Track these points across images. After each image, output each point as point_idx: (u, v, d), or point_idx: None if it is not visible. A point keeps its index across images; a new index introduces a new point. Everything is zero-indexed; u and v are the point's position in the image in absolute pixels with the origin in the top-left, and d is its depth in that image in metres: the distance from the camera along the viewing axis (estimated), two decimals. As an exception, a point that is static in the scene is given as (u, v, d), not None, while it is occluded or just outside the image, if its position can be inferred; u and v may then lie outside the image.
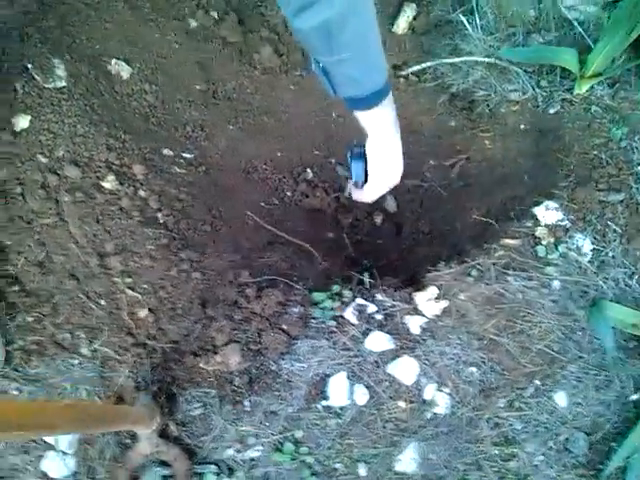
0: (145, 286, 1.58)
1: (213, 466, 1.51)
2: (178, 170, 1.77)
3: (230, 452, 1.51)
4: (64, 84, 1.67)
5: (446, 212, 2.04)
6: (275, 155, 2.03)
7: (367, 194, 1.34)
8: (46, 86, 1.65)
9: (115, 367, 1.56)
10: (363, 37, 0.95)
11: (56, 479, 1.52)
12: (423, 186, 2.10)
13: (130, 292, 1.58)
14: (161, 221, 1.65)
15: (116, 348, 1.56)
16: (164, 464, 1.52)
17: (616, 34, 1.70)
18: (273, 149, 2.03)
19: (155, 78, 1.85)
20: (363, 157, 1.25)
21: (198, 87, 1.95)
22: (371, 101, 1.07)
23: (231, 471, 1.51)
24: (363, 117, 1.12)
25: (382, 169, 1.25)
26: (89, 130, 1.64)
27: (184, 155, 1.83)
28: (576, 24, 1.89)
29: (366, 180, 1.30)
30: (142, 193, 1.66)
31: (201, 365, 1.56)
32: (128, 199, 1.63)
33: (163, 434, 1.51)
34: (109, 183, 1.63)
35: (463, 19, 1.95)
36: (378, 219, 2.13)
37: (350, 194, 1.43)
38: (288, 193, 2.03)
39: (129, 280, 1.59)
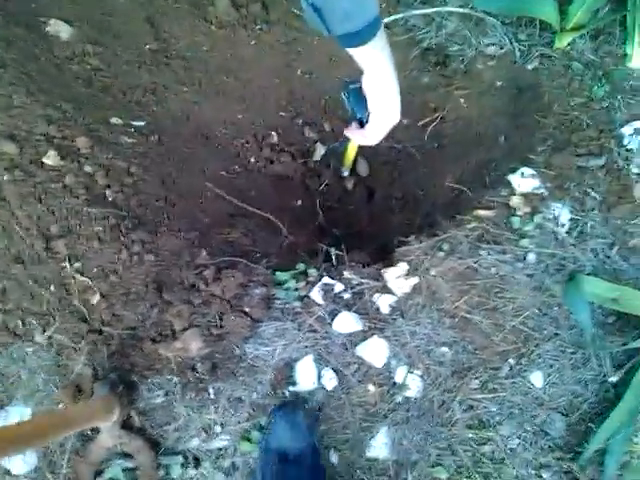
0: (95, 270, 1.49)
1: (179, 457, 1.46)
2: (127, 140, 1.65)
3: (195, 442, 1.46)
4: (-5, 49, 1.52)
5: (419, 176, 1.95)
6: (236, 118, 1.90)
7: (371, 135, 1.29)
8: (-26, 52, 1.50)
9: (71, 355, 1.49)
10: None
11: (19, 475, 1.46)
12: (396, 147, 2.00)
13: (79, 277, 1.49)
14: (110, 198, 1.54)
15: (70, 335, 1.49)
16: (128, 456, 1.47)
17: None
18: (233, 112, 1.90)
19: (99, 38, 1.70)
20: (362, 93, 1.19)
21: (148, 46, 1.80)
22: (365, 35, 1.01)
23: (197, 462, 1.46)
24: (358, 54, 1.07)
25: (383, 107, 1.20)
26: (26, 101, 1.51)
27: (134, 123, 1.70)
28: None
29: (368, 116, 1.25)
30: (88, 168, 1.54)
31: (160, 351, 1.49)
32: (72, 176, 1.52)
33: (125, 425, 1.46)
34: (50, 159, 1.51)
35: (435, -36, 1.80)
36: (349, 184, 2.03)
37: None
38: (251, 159, 1.91)
39: (78, 264, 1.49)
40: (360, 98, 1.20)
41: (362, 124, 1.30)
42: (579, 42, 1.70)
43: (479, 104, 1.83)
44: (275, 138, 1.97)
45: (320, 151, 2.00)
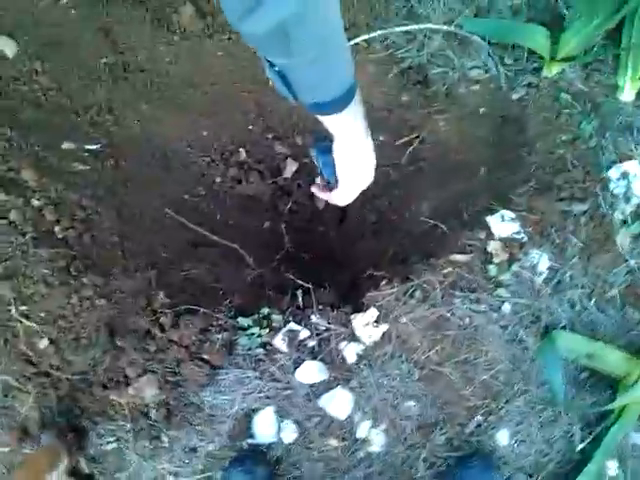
0: (42, 315, 1.42)
1: (129, 507, 1.42)
2: (80, 167, 1.55)
3: (146, 491, 1.42)
4: None
5: (394, 199, 1.88)
6: (200, 135, 1.80)
7: (338, 199, 1.21)
8: None
9: (18, 397, 1.43)
10: (326, 36, 0.79)
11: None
12: (372, 165, 1.90)
13: (26, 322, 1.41)
14: (59, 236, 1.46)
15: (17, 377, 1.43)
16: (75, 504, 1.43)
17: (595, 15, 1.48)
18: (198, 128, 1.79)
19: (48, 54, 1.58)
20: (331, 153, 1.08)
21: (103, 60, 1.68)
22: (335, 106, 0.92)
23: (148, 513, 1.42)
24: (327, 121, 0.97)
25: (353, 172, 1.11)
26: (-36, 129, 1.38)
27: (88, 147, 1.60)
28: (551, -13, 1.63)
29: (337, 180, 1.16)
30: (35, 202, 1.45)
31: (112, 397, 1.44)
32: (18, 211, 1.42)
33: (74, 471, 1.42)
34: None
35: (420, -26, 1.67)
36: (320, 204, 1.94)
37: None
38: (217, 179, 1.82)
39: (23, 308, 1.42)
40: (329, 160, 1.11)
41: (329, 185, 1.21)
42: (569, 71, 1.61)
43: (460, 130, 1.74)
44: (243, 155, 1.86)
45: (291, 167, 1.91)
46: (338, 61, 0.86)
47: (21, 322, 1.41)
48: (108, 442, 1.43)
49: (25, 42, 1.57)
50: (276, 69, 0.84)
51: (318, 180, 1.24)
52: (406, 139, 1.87)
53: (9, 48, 1.54)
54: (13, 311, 1.41)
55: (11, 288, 1.40)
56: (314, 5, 0.72)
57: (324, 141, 1.09)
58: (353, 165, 1.10)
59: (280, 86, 0.89)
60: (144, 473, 1.42)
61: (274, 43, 0.77)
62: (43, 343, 1.43)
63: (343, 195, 1.20)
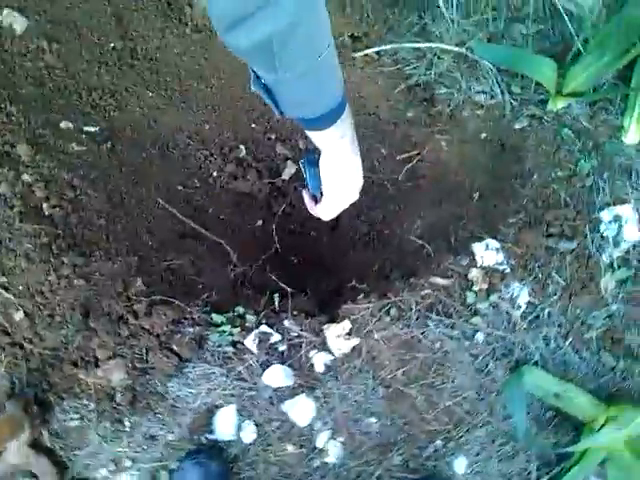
0: (20, 288, 1.44)
1: (84, 485, 1.45)
2: (76, 148, 1.57)
3: (103, 472, 1.45)
4: (-64, 39, 1.42)
5: (388, 213, 1.88)
6: (202, 128, 1.81)
7: (324, 212, 1.21)
8: None
9: (-11, 363, 1.45)
10: (313, 54, 0.80)
11: None
12: (370, 177, 1.91)
13: (4, 293, 1.43)
14: (46, 213, 1.48)
15: (-9, 345, 1.45)
16: (33, 476, 1.45)
17: (606, 53, 1.46)
18: (201, 121, 1.81)
19: (57, 34, 1.60)
20: (318, 166, 1.09)
21: (112, 45, 1.70)
22: (324, 122, 0.93)
23: (101, 493, 1.44)
24: (315, 136, 0.98)
25: (337, 188, 1.11)
26: (-35, 99, 1.41)
27: (86, 129, 1.62)
28: (567, 20, 1.61)
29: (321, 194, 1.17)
30: (26, 178, 1.47)
31: (81, 376, 1.46)
32: (8, 185, 1.45)
33: (35, 444, 1.44)
34: None
35: (438, -7, 1.67)
36: (315, 209, 1.94)
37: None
38: (214, 173, 1.83)
39: (3, 279, 1.44)
40: (316, 172, 1.11)
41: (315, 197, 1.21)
42: (575, 106, 1.59)
43: (460, 152, 1.74)
44: (243, 152, 1.88)
45: (290, 170, 1.92)
46: (326, 79, 0.87)
47: (-1, 293, 1.45)
48: (71, 419, 1.45)
49: (36, 20, 1.60)
50: (262, 82, 0.85)
51: (305, 194, 1.24)
52: (407, 155, 1.87)
53: (19, 24, 1.56)
54: (-7, 282, 1.44)
55: (-7, 259, 1.43)
56: (300, 23, 0.72)
57: (313, 153, 1.09)
58: (338, 181, 1.10)
59: (267, 100, 0.89)
60: (103, 454, 1.44)
61: (259, 57, 0.78)
62: (19, 315, 1.45)
63: (326, 209, 1.20)
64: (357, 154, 1.06)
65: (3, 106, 1.48)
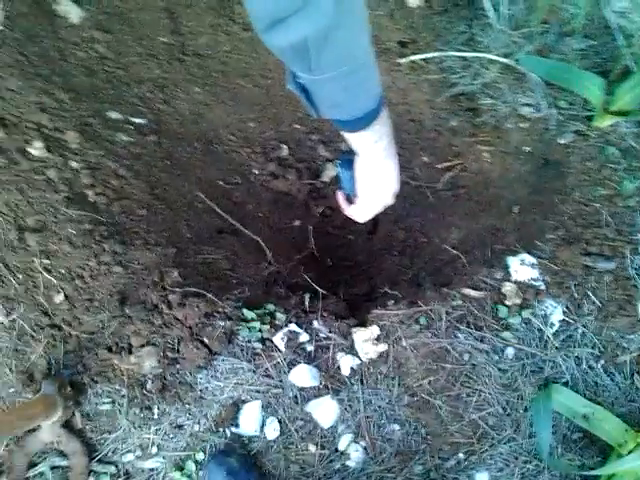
0: (62, 271, 1.49)
1: (111, 467, 1.48)
2: (123, 138, 1.61)
3: (130, 457, 1.49)
4: (-2, 26, 1.47)
5: (426, 221, 1.88)
6: (247, 126, 1.83)
7: (357, 213, 1.23)
8: (-25, 26, 1.45)
9: (29, 343, 1.52)
10: (349, 56, 0.80)
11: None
12: (410, 184, 1.91)
13: (46, 275, 1.49)
14: (91, 200, 1.53)
15: (32, 325, 1.52)
16: (63, 455, 1.51)
17: (656, 71, 1.42)
18: (245, 119, 1.83)
19: (111, 25, 1.64)
20: (353, 167, 1.10)
21: (163, 39, 1.74)
22: (359, 124, 0.93)
23: (128, 476, 1.49)
24: (350, 138, 0.98)
25: (371, 191, 1.12)
26: (20, 85, 1.47)
27: (134, 120, 1.66)
28: (619, 36, 1.58)
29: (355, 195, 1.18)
30: (74, 164, 1.53)
31: (114, 362, 1.51)
32: (56, 170, 1.51)
33: (67, 424, 1.50)
34: (36, 150, 1.49)
35: (487, 3, 1.66)
36: (353, 212, 1.94)
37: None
38: (255, 171, 1.85)
39: (47, 261, 1.50)
40: (351, 174, 1.11)
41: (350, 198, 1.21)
42: (622, 124, 1.56)
43: (503, 164, 1.73)
44: (285, 152, 1.89)
45: (330, 172, 1.93)
46: (363, 81, 0.87)
47: (42, 274, 1.49)
48: (103, 403, 1.49)
49: (91, 10, 1.65)
50: (300, 82, 0.86)
51: (340, 195, 1.25)
52: (448, 164, 1.87)
53: (75, 14, 1.61)
54: (37, 262, 1.49)
55: (38, 241, 1.48)
56: (338, 26, 0.73)
57: (350, 154, 1.10)
58: (372, 184, 1.11)
59: (303, 100, 0.90)
60: (131, 439, 1.48)
61: (296, 57, 0.78)
62: (59, 298, 1.50)
63: (360, 212, 1.21)
64: (394, 158, 1.06)
65: (55, 93, 1.53)
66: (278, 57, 0.80)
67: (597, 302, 1.47)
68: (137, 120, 1.69)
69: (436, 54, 1.70)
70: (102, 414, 1.50)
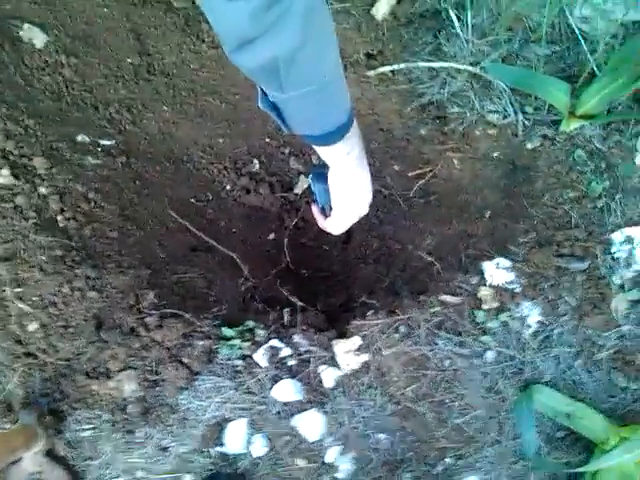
0: (35, 299, 1.46)
1: (97, 495, 1.45)
2: (92, 161, 1.59)
3: (117, 482, 1.45)
4: (-42, 51, 1.44)
5: (399, 228, 1.89)
6: (216, 142, 1.83)
7: (333, 226, 1.24)
8: (-64, 52, 1.43)
9: (4, 372, 1.48)
10: (319, 73, 0.81)
11: None
12: (382, 192, 1.92)
13: (18, 303, 1.45)
14: (61, 225, 1.50)
15: (6, 354, 1.47)
16: (48, 485, 1.47)
17: (619, 76, 1.47)
18: (215, 135, 1.83)
19: (76, 49, 1.63)
20: (326, 180, 1.10)
21: (130, 60, 1.73)
22: (331, 138, 0.94)
23: (115, 503, 1.45)
24: (322, 151, 0.99)
25: (346, 203, 1.13)
26: (-15, 112, 1.43)
27: (102, 142, 1.64)
28: (583, 42, 1.62)
29: (330, 208, 1.19)
30: (42, 190, 1.50)
31: (93, 387, 1.48)
32: (24, 197, 1.48)
33: (49, 453, 1.46)
34: (3, 177, 1.47)
35: (452, 13, 1.69)
36: (327, 223, 1.94)
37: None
38: (227, 187, 1.84)
39: (18, 290, 1.46)
40: (324, 187, 1.12)
41: (325, 212, 1.21)
42: (588, 128, 1.60)
43: (472, 170, 1.75)
44: (257, 166, 1.89)
45: (303, 184, 1.93)
46: (333, 97, 0.88)
47: (14, 303, 1.46)
48: (84, 429, 1.46)
49: (55, 35, 1.63)
50: (271, 100, 0.86)
51: (315, 208, 1.25)
52: (419, 171, 1.88)
53: (39, 39, 1.59)
54: (8, 292, 1.45)
55: (8, 270, 1.44)
56: (306, 44, 0.73)
57: (322, 168, 1.10)
58: (346, 196, 1.11)
59: (274, 117, 0.90)
60: (115, 464, 1.45)
61: (265, 77, 0.79)
62: (33, 326, 1.47)
63: (336, 224, 1.21)
64: (366, 169, 1.08)
65: (21, 119, 1.50)
66: (248, 77, 0.81)
67: (572, 302, 1.49)
68: (105, 142, 1.66)
69: (403, 65, 1.72)
70: (84, 440, 1.47)
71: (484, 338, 1.48)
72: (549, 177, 1.59)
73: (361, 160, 1.04)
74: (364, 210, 1.16)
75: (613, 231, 1.53)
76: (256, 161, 1.91)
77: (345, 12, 1.77)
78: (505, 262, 1.52)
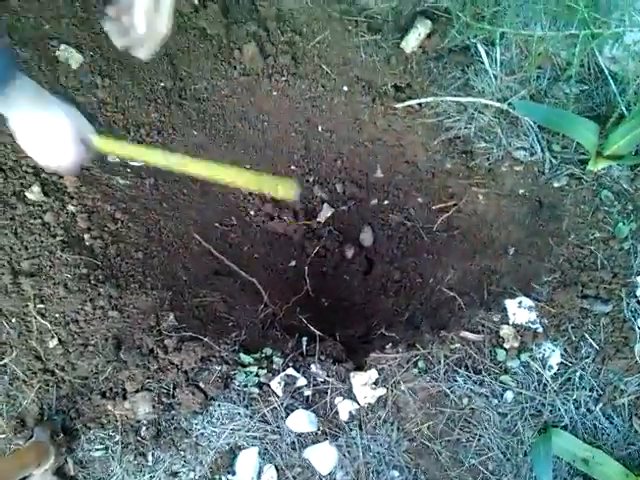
0: (57, 315, 1.48)
1: (106, 517, 1.45)
2: (121, 182, 1.61)
3: (124, 505, 1.44)
4: (-2, 71, 1.47)
5: (422, 262, 1.88)
6: (243, 167, 1.82)
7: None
8: (-24, 71, 1.46)
9: (21, 388, 1.49)
10: None
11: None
12: (406, 224, 1.92)
13: (40, 319, 1.48)
14: (87, 243, 1.52)
15: (24, 369, 1.49)
16: (56, 504, 1.47)
17: (650, 119, 1.45)
18: (242, 160, 1.85)
19: (110, 70, 1.66)
20: None
21: (162, 84, 1.77)
22: None
23: (123, 526, 1.44)
24: None
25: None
26: (19, 129, 1.46)
27: (132, 163, 1.66)
28: (612, 82, 1.62)
29: None
30: (71, 208, 1.53)
31: (108, 407, 1.48)
32: (53, 214, 1.51)
33: (59, 471, 1.46)
34: (33, 194, 1.49)
35: (481, 49, 1.69)
36: (350, 252, 1.96)
37: None
38: (251, 212, 1.87)
39: (41, 306, 1.48)
40: None
41: None
42: (615, 169, 1.58)
43: (497, 206, 1.74)
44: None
45: (326, 213, 1.94)
46: None
47: (36, 318, 1.47)
48: (96, 449, 1.47)
49: (91, 56, 1.67)
50: None
51: None
52: (443, 205, 1.89)
53: (75, 60, 1.63)
54: (31, 307, 1.47)
55: (32, 285, 1.47)
56: None
57: None
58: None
59: None
60: (125, 487, 1.45)
61: None
62: (53, 342, 1.49)
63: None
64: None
65: (54, 138, 1.52)
66: None
67: (594, 345, 1.47)
68: (135, 163, 1.69)
69: (431, 99, 1.73)
70: (95, 461, 1.47)
71: (504, 377, 1.45)
72: (575, 216, 1.57)
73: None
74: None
75: (639, 274, 1.51)
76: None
77: (375, 44, 1.79)
78: (528, 301, 1.50)
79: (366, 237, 1.97)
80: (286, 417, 1.45)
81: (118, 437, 1.45)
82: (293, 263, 1.93)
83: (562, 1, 1.53)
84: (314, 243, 1.95)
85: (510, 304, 1.52)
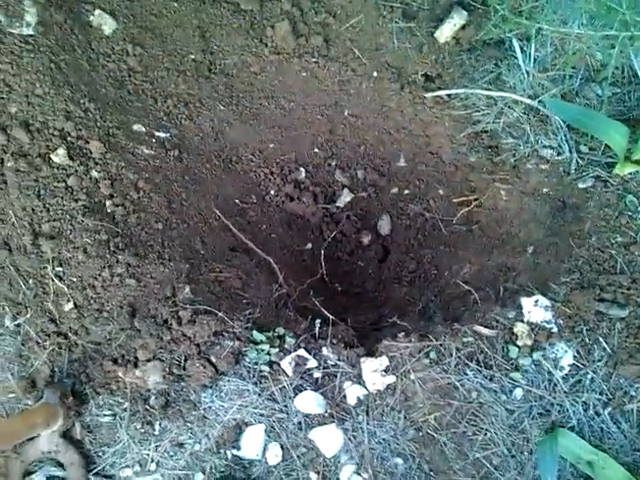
0: (74, 279, 1.48)
1: (108, 481, 1.46)
2: (145, 151, 1.61)
3: (128, 472, 1.47)
4: (31, 32, 1.50)
5: (439, 254, 1.87)
6: (267, 146, 1.85)
7: None
8: (10, 31, 1.47)
9: (34, 349, 1.50)
10: None
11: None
12: (424, 215, 1.92)
13: (58, 282, 1.48)
14: (108, 210, 1.53)
15: (38, 330, 1.50)
16: (60, 465, 1.48)
17: (681, 125, 1.43)
18: (266, 139, 1.85)
19: (142, 39, 1.66)
20: None
21: (192, 57, 1.76)
22: None
23: (124, 493, 1.45)
24: None
25: None
26: (49, 91, 1.49)
27: (157, 134, 1.67)
28: (645, 87, 1.60)
29: None
30: (94, 174, 1.53)
31: (119, 374, 1.49)
32: (77, 178, 1.51)
33: (66, 434, 1.48)
34: (59, 157, 1.49)
35: (516, 44, 1.68)
36: (366, 239, 1.95)
37: None
38: (272, 192, 1.86)
39: (59, 269, 1.49)
40: None
41: None
42: (642, 174, 1.57)
43: (519, 203, 1.73)
44: (302, 175, 1.91)
45: (346, 198, 1.93)
46: None
47: (53, 281, 1.48)
48: (105, 415, 1.48)
49: (125, 23, 1.67)
50: None
51: None
52: (464, 199, 1.88)
53: (108, 26, 1.63)
54: (49, 269, 1.48)
55: (52, 248, 1.47)
56: None
57: None
58: None
59: None
60: (129, 453, 1.46)
61: None
62: (68, 306, 1.49)
63: None
64: None
65: (82, 102, 1.53)
66: None
67: (608, 349, 1.46)
68: (160, 134, 1.70)
69: (461, 90, 1.72)
70: (102, 426, 1.48)
71: (514, 375, 1.45)
72: (598, 219, 1.56)
73: None
74: None
75: (658, 282, 1.50)
76: (302, 170, 1.93)
77: (409, 31, 1.78)
78: (544, 300, 1.50)
79: (384, 225, 1.97)
80: (294, 397, 1.46)
81: (127, 404, 1.46)
82: (309, 245, 1.93)
83: (603, 1, 1.51)
84: (332, 227, 1.95)
85: (526, 302, 1.51)
